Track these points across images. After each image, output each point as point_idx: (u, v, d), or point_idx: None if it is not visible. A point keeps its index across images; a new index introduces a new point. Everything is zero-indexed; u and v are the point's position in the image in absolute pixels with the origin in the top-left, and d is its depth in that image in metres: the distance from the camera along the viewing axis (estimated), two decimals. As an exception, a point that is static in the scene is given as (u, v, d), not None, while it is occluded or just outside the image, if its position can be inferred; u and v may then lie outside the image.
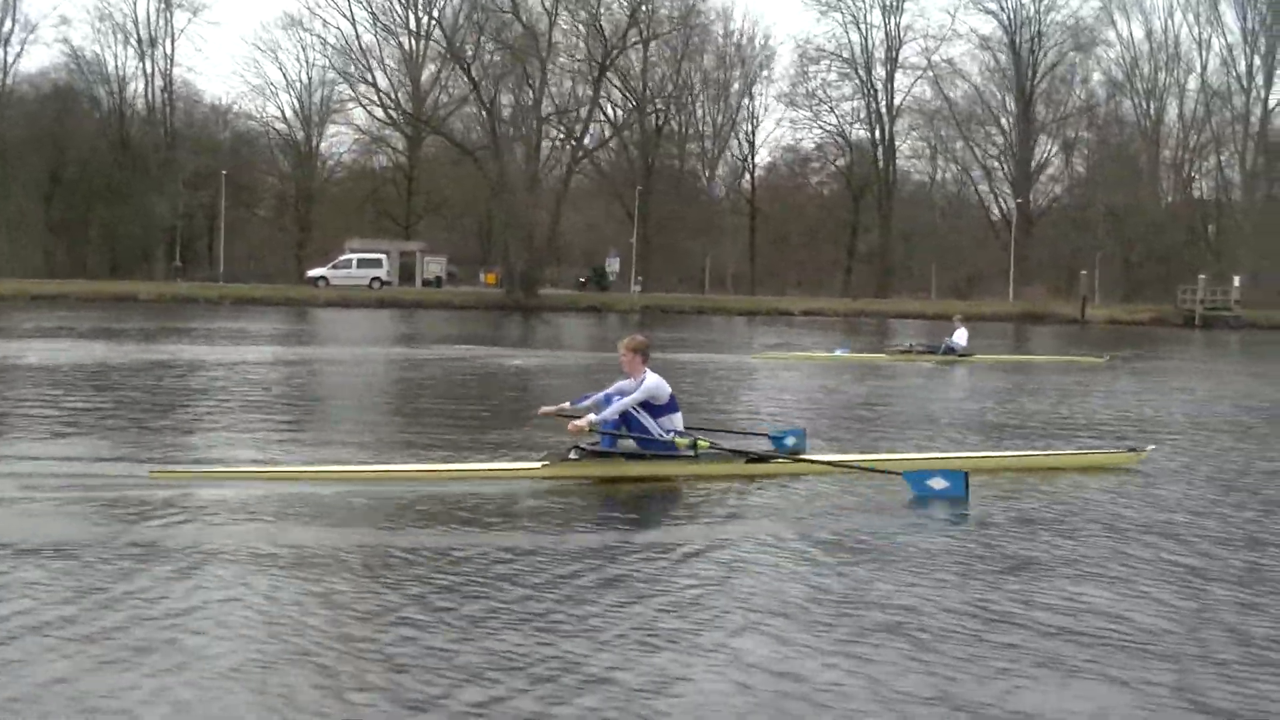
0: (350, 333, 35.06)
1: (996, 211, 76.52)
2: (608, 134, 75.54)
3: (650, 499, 8.49)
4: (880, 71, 77.36)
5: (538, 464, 9.02)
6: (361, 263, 64.49)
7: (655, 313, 57.43)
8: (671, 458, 9.01)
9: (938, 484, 8.16)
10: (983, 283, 72.25)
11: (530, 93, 64.34)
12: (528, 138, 64.47)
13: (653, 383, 9.11)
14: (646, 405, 9.11)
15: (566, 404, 9.50)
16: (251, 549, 6.48)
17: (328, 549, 6.57)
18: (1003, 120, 77.22)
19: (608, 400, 9.19)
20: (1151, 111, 77.14)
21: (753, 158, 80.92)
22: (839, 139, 79.28)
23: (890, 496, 8.37)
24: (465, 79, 65.42)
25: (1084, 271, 62.40)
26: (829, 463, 9.15)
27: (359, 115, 75.95)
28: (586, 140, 67.55)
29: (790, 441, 10.00)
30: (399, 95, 73.69)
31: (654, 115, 75.05)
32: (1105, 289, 67.83)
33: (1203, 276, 61.32)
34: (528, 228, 61.73)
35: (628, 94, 73.69)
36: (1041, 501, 8.40)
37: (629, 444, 9.09)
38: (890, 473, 8.64)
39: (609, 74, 67.93)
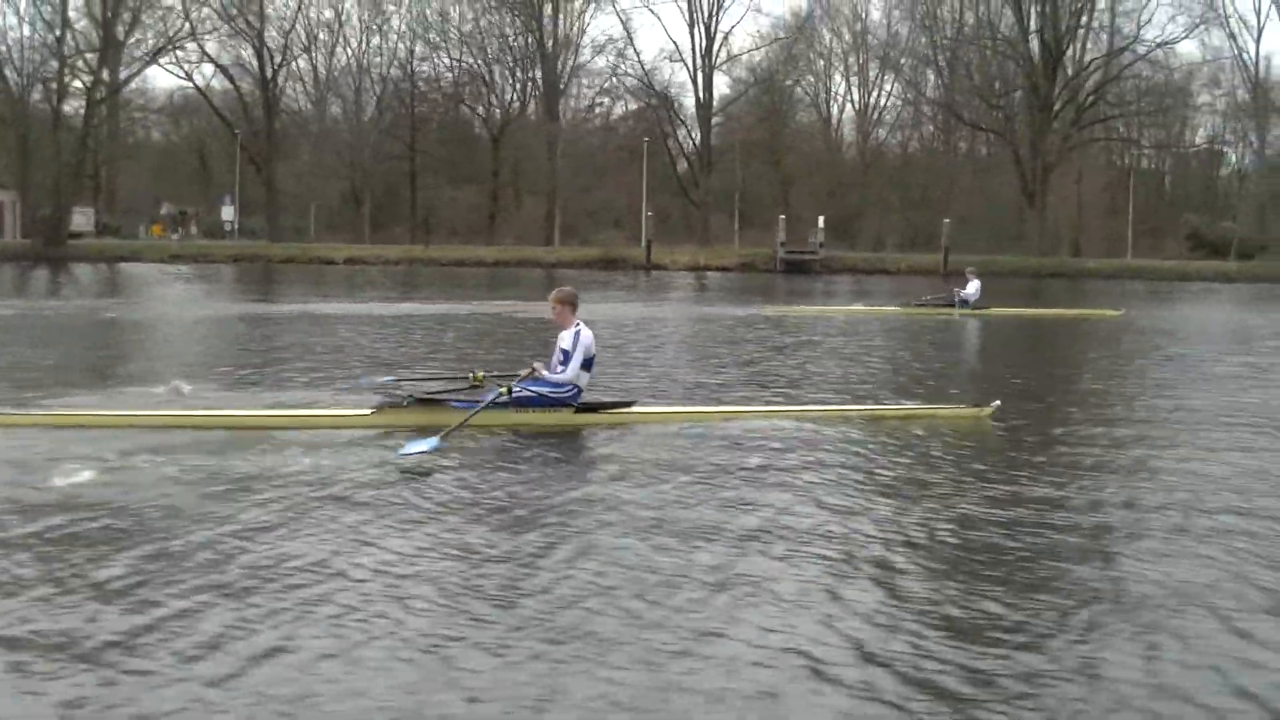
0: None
1: (679, 150, 76.35)
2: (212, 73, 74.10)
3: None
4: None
5: (369, 410, 9.26)
6: None
7: (189, 260, 55.70)
8: (501, 407, 9.20)
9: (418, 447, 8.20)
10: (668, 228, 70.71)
11: (46, 24, 61.25)
12: (47, 72, 60.83)
13: (588, 337, 9.66)
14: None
15: (538, 364, 9.76)
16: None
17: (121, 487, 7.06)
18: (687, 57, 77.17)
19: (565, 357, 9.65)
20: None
21: (410, 92, 76.75)
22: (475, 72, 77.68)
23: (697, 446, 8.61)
24: None
25: (649, 213, 61.09)
26: (656, 414, 9.36)
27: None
28: (106, 75, 63.97)
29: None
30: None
31: (270, 54, 73.89)
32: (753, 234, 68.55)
33: (782, 217, 60.56)
34: (51, 170, 59.19)
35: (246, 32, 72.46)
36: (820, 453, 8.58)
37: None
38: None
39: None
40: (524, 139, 75.19)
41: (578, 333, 9.58)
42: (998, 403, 10.51)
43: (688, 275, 54.01)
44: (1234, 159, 79.85)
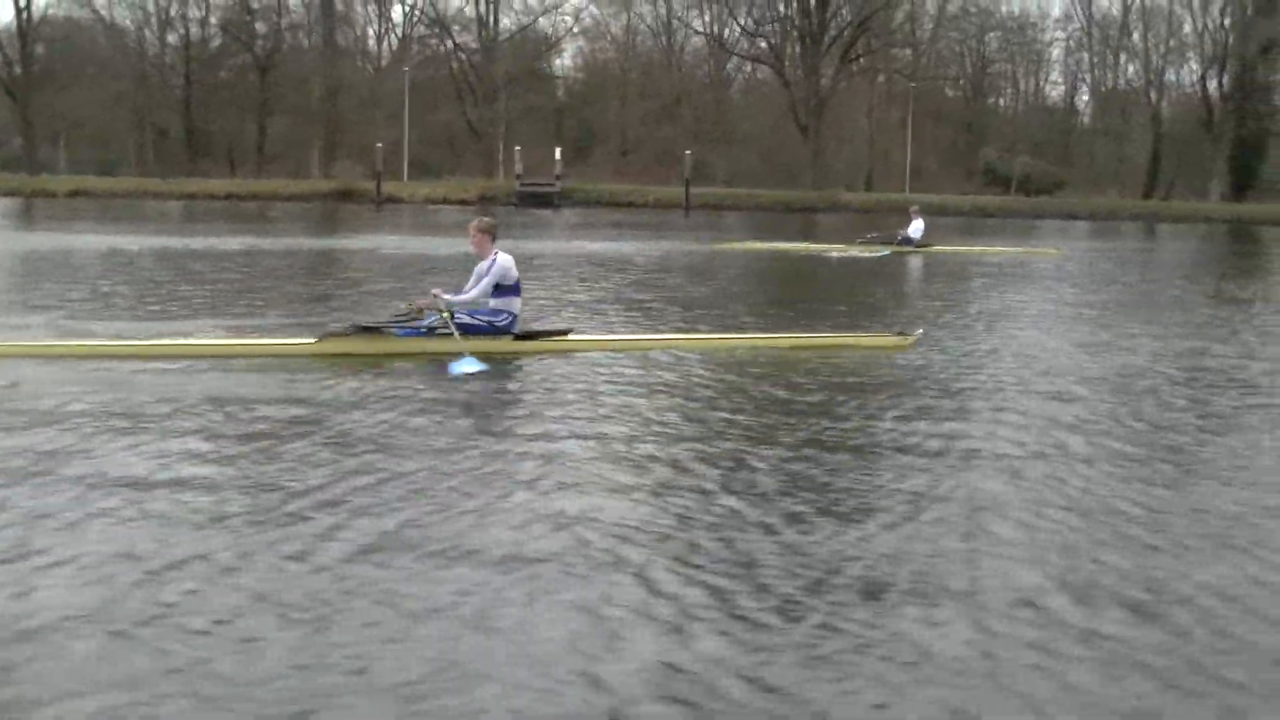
0: None
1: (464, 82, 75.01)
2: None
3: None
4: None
5: (313, 340, 9.48)
6: None
7: None
8: (444, 336, 9.45)
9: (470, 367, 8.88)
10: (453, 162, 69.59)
11: None
12: None
13: (505, 263, 9.82)
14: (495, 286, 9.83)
15: (439, 290, 9.85)
16: None
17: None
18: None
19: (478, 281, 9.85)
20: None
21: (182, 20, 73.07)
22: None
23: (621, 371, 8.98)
24: None
25: (379, 145, 58.38)
26: (593, 342, 9.75)
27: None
28: None
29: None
30: None
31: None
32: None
33: (518, 149, 60.17)
34: None
35: None
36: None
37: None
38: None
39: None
40: (296, 70, 73.10)
41: (494, 260, 9.83)
42: (921, 331, 10.98)
43: (419, 207, 52.64)
44: (1085, 96, 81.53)
